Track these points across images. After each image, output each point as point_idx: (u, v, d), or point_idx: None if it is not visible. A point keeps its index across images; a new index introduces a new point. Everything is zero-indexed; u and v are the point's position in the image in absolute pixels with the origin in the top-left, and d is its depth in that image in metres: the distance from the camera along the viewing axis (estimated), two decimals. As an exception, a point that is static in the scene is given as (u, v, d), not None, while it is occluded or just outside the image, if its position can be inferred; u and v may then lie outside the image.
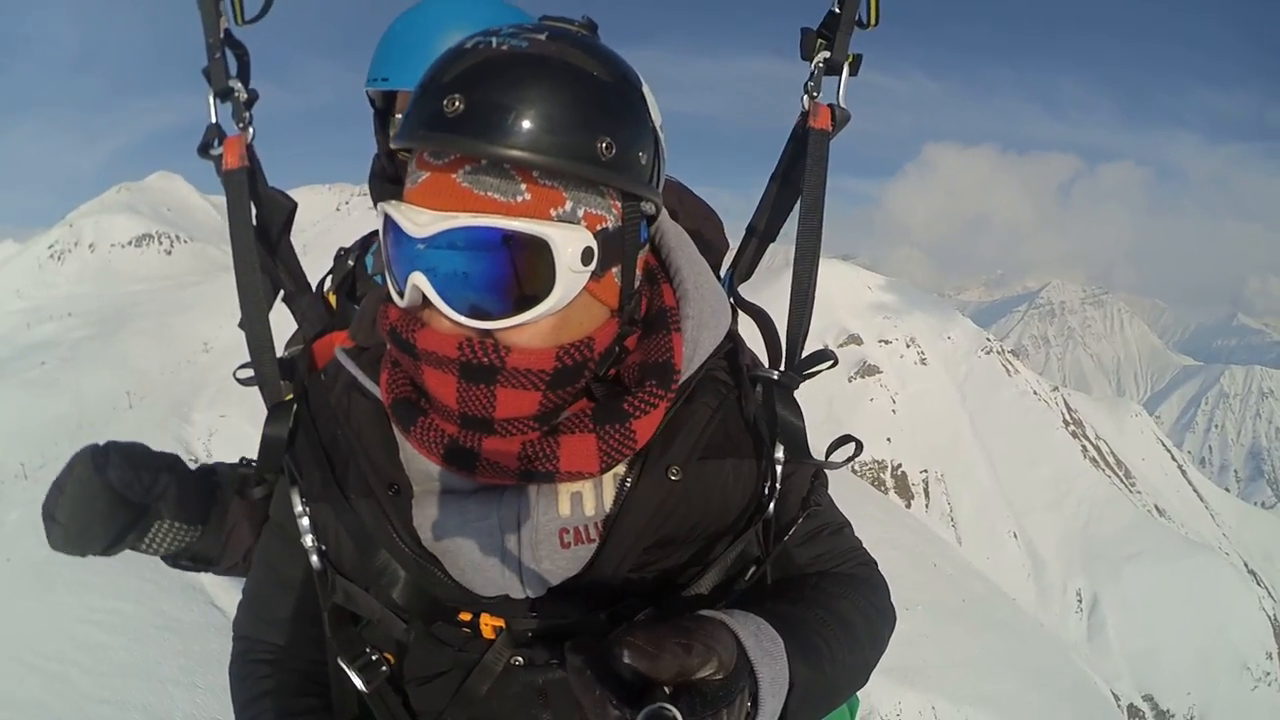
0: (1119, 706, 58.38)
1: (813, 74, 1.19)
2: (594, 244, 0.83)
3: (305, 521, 1.03)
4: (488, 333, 0.83)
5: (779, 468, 1.02)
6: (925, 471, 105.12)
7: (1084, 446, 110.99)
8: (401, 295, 0.85)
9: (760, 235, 1.32)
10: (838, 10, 1.18)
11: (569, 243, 0.80)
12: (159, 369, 32.72)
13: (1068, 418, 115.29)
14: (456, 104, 0.77)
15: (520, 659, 0.96)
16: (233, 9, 1.19)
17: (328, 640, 1.05)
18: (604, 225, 0.85)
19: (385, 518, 0.97)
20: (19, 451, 22.77)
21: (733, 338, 1.06)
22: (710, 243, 1.27)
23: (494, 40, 0.81)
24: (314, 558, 1.03)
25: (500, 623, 0.95)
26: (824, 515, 1.10)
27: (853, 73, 1.20)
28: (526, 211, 0.80)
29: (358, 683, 0.99)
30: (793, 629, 0.86)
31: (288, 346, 1.43)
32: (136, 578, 11.34)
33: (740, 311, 1.29)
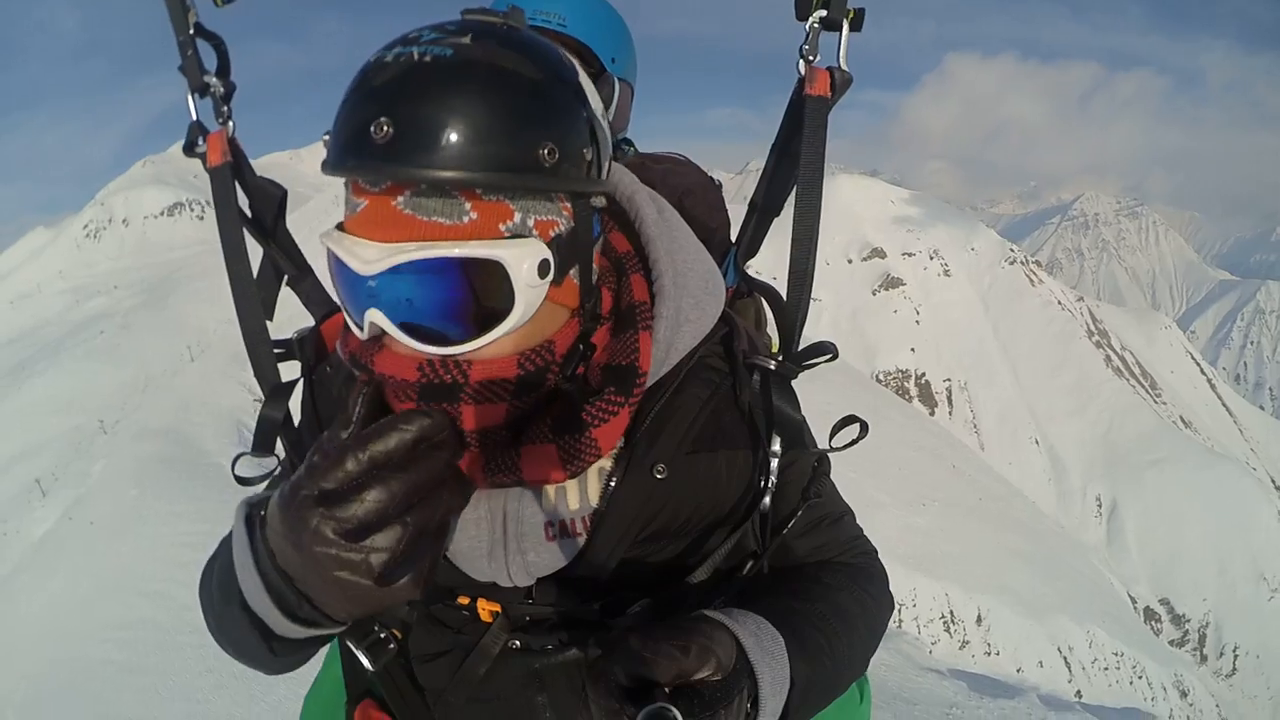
0: (1135, 609, 59.84)
1: (808, 35, 1.07)
2: (549, 255, 0.78)
3: None
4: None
5: (774, 462, 1.00)
6: (948, 380, 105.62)
7: (1108, 356, 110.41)
8: (360, 328, 0.81)
9: (762, 210, 1.27)
10: None
11: (523, 259, 0.76)
12: (214, 324, 32.97)
13: (1092, 328, 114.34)
14: (385, 129, 0.71)
15: (517, 643, 0.98)
16: None
17: None
18: (557, 230, 0.80)
19: None
20: (96, 411, 24.10)
21: (729, 321, 1.03)
22: (695, 217, 1.23)
23: (415, 51, 0.74)
24: None
25: (497, 607, 0.97)
26: (824, 506, 1.09)
27: (854, 28, 1.07)
28: (474, 232, 0.75)
29: (365, 661, 0.99)
30: (793, 626, 0.87)
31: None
32: (218, 503, 12.44)
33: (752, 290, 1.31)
